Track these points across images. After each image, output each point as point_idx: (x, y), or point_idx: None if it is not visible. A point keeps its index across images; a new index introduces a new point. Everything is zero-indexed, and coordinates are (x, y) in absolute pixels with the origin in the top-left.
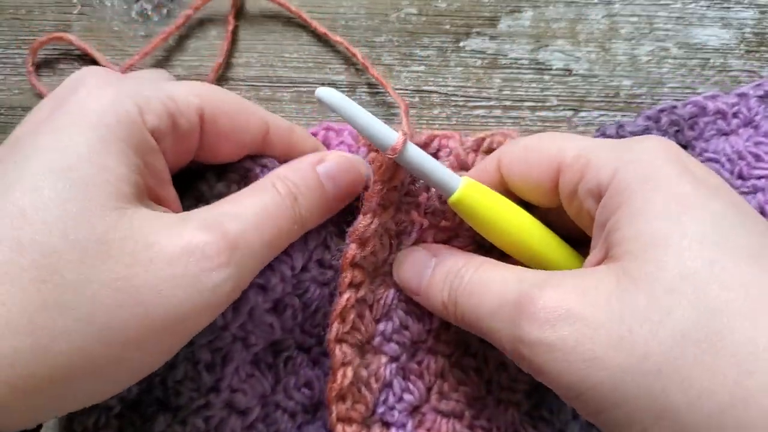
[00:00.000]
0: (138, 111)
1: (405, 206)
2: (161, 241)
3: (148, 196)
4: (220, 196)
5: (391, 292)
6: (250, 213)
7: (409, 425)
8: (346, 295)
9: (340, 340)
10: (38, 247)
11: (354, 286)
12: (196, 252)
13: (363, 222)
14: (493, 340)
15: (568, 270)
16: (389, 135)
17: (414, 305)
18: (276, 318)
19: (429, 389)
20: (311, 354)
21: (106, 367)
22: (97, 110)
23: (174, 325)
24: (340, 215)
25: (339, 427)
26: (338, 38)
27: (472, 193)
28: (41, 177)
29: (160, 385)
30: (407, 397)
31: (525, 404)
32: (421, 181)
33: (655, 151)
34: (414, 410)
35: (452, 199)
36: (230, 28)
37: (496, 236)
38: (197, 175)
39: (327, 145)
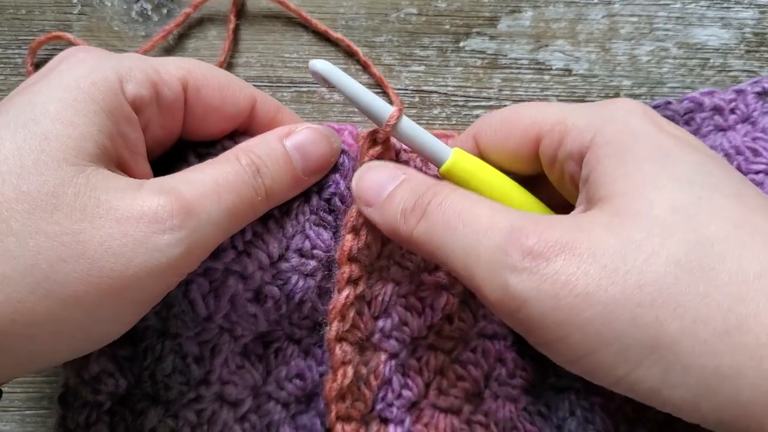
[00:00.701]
0: (117, 79)
1: None
2: (113, 200)
3: (117, 164)
4: None
5: (389, 287)
6: (208, 180)
7: (407, 421)
8: (345, 293)
9: (340, 339)
10: None
11: (352, 281)
12: (149, 213)
13: (354, 209)
14: (468, 267)
15: (560, 215)
16: (385, 107)
17: (415, 300)
18: (258, 308)
19: (428, 385)
20: (302, 345)
21: (46, 326)
22: (75, 75)
23: (122, 287)
24: (320, 204)
25: (338, 426)
26: (338, 35)
27: (462, 162)
28: (3, 128)
29: (149, 379)
30: (406, 393)
31: (522, 400)
32: (409, 153)
33: (632, 111)
34: (412, 406)
35: (443, 168)
36: (231, 26)
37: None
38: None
39: None
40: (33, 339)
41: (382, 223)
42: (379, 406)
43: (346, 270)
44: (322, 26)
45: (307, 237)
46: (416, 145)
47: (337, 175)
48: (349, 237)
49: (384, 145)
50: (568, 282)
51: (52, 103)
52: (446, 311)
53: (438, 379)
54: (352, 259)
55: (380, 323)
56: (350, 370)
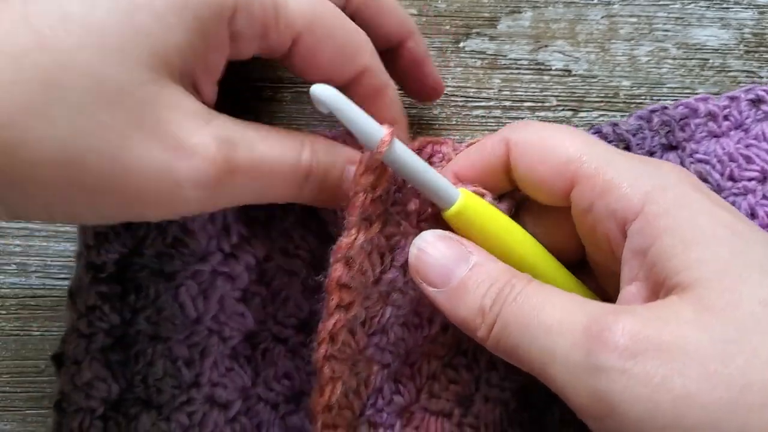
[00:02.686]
0: (233, 5)
1: (394, 217)
2: (174, 124)
3: (190, 82)
4: None
5: (388, 310)
6: (268, 157)
7: (398, 425)
8: (333, 318)
9: (329, 357)
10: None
11: (342, 307)
12: (199, 160)
13: (346, 239)
14: (546, 368)
15: (636, 305)
16: (376, 130)
17: (415, 317)
18: (246, 307)
19: (419, 390)
20: (288, 344)
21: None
22: None
23: (127, 203)
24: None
25: None
26: None
27: (471, 209)
28: None
29: (141, 383)
30: (397, 399)
31: (512, 403)
32: (409, 186)
33: (682, 179)
34: (403, 410)
35: (449, 213)
36: None
37: (493, 253)
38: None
39: None
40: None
41: (452, 316)
42: (368, 412)
43: (335, 297)
44: None
45: (290, 237)
46: (415, 178)
47: None
48: (338, 266)
49: (378, 173)
50: (664, 383)
51: (160, 3)
52: (444, 323)
53: (430, 383)
54: (341, 286)
55: (375, 339)
56: (339, 386)
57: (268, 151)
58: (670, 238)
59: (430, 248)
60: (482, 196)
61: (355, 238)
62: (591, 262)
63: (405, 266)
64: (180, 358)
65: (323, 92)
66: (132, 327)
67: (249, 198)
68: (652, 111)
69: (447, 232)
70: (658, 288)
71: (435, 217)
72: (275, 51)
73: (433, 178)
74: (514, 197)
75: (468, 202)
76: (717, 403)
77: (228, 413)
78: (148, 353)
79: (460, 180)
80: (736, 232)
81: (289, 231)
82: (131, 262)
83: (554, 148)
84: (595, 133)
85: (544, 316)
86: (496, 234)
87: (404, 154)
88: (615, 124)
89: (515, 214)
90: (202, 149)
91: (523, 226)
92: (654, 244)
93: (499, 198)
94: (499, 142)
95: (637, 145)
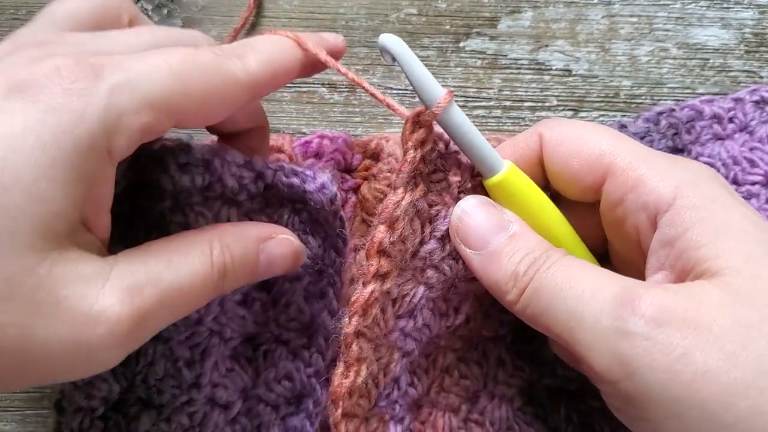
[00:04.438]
0: (105, 135)
1: (436, 186)
2: (72, 299)
3: (81, 223)
4: (182, 192)
5: (421, 289)
6: (176, 284)
7: (408, 419)
8: (370, 288)
9: (358, 335)
10: None
11: (380, 276)
12: (105, 325)
13: (393, 198)
14: (573, 331)
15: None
16: (437, 89)
17: (443, 303)
18: (246, 310)
19: (431, 383)
20: (289, 346)
21: None
22: (55, 126)
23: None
24: (304, 217)
25: (343, 423)
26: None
27: (513, 181)
28: None
29: (142, 383)
30: (411, 391)
31: (518, 400)
32: (453, 153)
33: (711, 175)
34: (413, 404)
35: (492, 180)
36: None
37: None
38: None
39: (321, 153)
40: None
41: (485, 278)
42: (382, 403)
43: (374, 263)
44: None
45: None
46: (464, 144)
47: (320, 195)
48: (381, 228)
49: (427, 129)
50: (685, 356)
51: (26, 169)
52: (468, 314)
53: (441, 377)
54: (382, 252)
55: (402, 323)
56: (364, 369)
57: (177, 277)
58: (701, 228)
59: (473, 211)
60: None
61: (402, 198)
62: (613, 257)
63: (444, 238)
64: (181, 359)
65: (392, 43)
66: None
67: (169, 321)
68: (660, 113)
69: (490, 200)
70: (685, 275)
71: (475, 190)
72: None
73: (483, 144)
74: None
75: (512, 174)
76: (733, 383)
77: (228, 414)
78: (149, 353)
79: None
80: (761, 227)
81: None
82: None
83: (587, 142)
84: None
85: (577, 283)
86: (533, 211)
87: (459, 116)
88: (624, 126)
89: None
90: (108, 313)
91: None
92: (684, 234)
93: None
94: (533, 137)
95: None
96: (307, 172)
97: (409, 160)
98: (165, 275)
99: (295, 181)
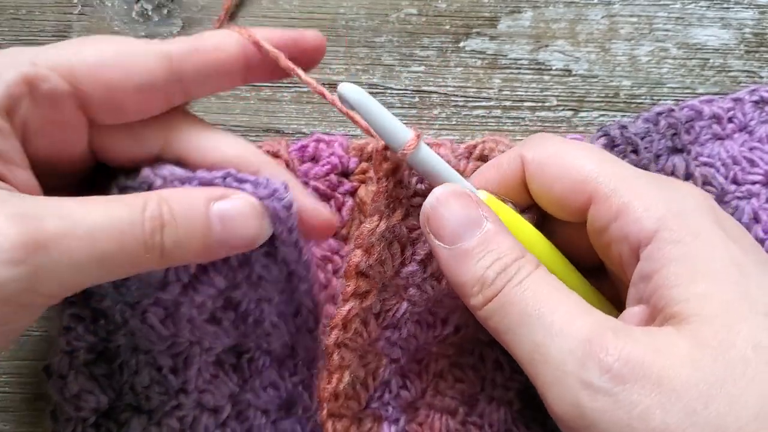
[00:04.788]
0: (6, 94)
1: (416, 210)
2: None
3: None
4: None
5: (404, 305)
6: (89, 219)
7: (402, 420)
8: (348, 306)
9: (339, 345)
10: None
11: (359, 296)
12: None
13: (368, 225)
14: (535, 364)
15: (635, 326)
16: (403, 132)
17: (429, 315)
18: (217, 327)
19: (426, 387)
20: (273, 355)
21: None
22: None
23: None
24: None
25: (329, 423)
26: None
27: (493, 206)
28: None
29: (130, 391)
30: (404, 393)
31: (517, 403)
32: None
33: (698, 204)
34: (408, 406)
35: None
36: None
37: None
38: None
39: (317, 157)
40: None
41: (451, 276)
42: (374, 404)
43: (352, 284)
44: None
45: (253, 268)
46: (438, 181)
47: (272, 202)
48: (358, 252)
49: (395, 169)
50: (645, 413)
51: None
52: (458, 325)
53: (436, 381)
54: (359, 273)
55: (387, 333)
56: (347, 375)
57: (92, 211)
58: (677, 266)
59: (447, 201)
60: (505, 203)
61: (377, 225)
62: (608, 270)
63: (425, 261)
64: (165, 366)
65: (350, 91)
66: (111, 342)
67: (92, 272)
68: (659, 113)
69: (470, 192)
70: (657, 313)
71: None
72: (59, 102)
73: (456, 178)
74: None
75: (488, 205)
76: None
77: (218, 417)
78: (132, 364)
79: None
80: (744, 269)
81: (252, 261)
82: (92, 291)
83: (569, 167)
84: (602, 135)
85: (546, 311)
86: (515, 235)
87: (428, 156)
88: (624, 127)
89: (538, 223)
90: (3, 231)
91: (546, 234)
92: (661, 270)
93: (522, 210)
94: (515, 159)
95: (645, 148)
96: (260, 179)
97: (380, 189)
98: (78, 212)
99: (247, 188)
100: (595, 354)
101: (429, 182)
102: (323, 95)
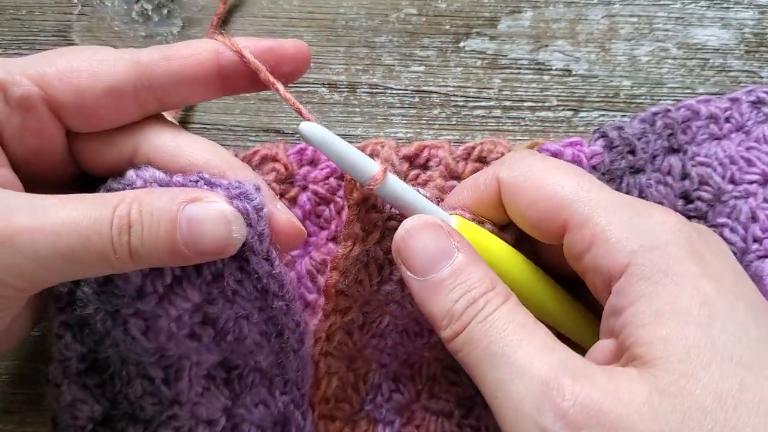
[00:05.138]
0: None
1: (391, 233)
2: None
3: None
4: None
5: (387, 318)
6: (57, 216)
7: (397, 422)
8: (329, 321)
9: (326, 354)
10: None
11: (339, 311)
12: None
13: (342, 250)
14: (497, 401)
15: (597, 365)
16: (368, 167)
17: (416, 325)
18: (198, 343)
19: (420, 390)
20: (262, 372)
21: None
22: None
23: None
24: (240, 252)
25: (321, 423)
26: (287, 95)
27: (464, 234)
28: None
29: (125, 400)
30: (396, 396)
31: None
32: None
33: (672, 236)
34: (403, 408)
35: None
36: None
37: None
38: None
39: (316, 161)
40: None
41: (422, 307)
42: (368, 407)
43: (331, 303)
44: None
45: (227, 284)
46: (409, 210)
47: (241, 203)
48: (334, 274)
49: (365, 199)
50: None
51: None
52: None
53: (430, 384)
54: (338, 292)
55: (374, 341)
56: (334, 380)
57: (62, 210)
58: (645, 305)
59: (418, 233)
60: (482, 224)
61: (351, 250)
62: None
63: (402, 282)
64: (157, 377)
65: (310, 131)
66: (100, 353)
67: (56, 267)
68: (655, 113)
69: (441, 222)
70: (624, 350)
71: None
72: (30, 105)
73: (425, 206)
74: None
75: (461, 229)
76: None
77: (213, 429)
78: (123, 375)
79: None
80: (713, 310)
81: (223, 274)
82: (75, 297)
83: (544, 190)
84: (600, 136)
85: (510, 349)
86: (488, 259)
87: (396, 186)
88: (620, 128)
89: (519, 239)
90: None
91: (527, 248)
92: (629, 308)
93: (501, 228)
94: (491, 180)
95: (642, 149)
96: (231, 182)
97: (351, 217)
98: (47, 209)
99: (219, 191)
100: (552, 398)
101: (400, 212)
102: (300, 113)
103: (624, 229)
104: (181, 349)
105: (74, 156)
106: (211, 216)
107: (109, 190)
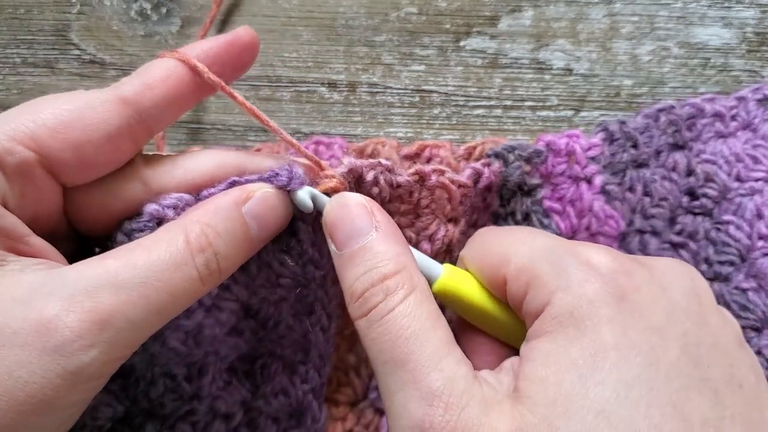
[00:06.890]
0: None
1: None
2: (11, 322)
3: (7, 250)
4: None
5: None
6: (137, 278)
7: None
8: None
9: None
10: None
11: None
12: (54, 333)
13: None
14: (384, 395)
15: (485, 383)
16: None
17: None
18: (238, 338)
19: None
20: (285, 361)
21: None
22: None
23: (42, 408)
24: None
25: (325, 407)
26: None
27: (453, 281)
28: None
29: (145, 398)
30: None
31: None
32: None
33: (592, 276)
34: None
35: (435, 288)
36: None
37: (474, 321)
38: None
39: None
40: None
41: (340, 279)
42: (372, 395)
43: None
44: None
45: (271, 268)
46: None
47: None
48: None
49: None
50: None
51: None
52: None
53: None
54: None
55: None
56: (333, 360)
57: (136, 273)
58: (545, 343)
59: (344, 209)
60: None
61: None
62: None
63: None
64: (179, 375)
65: (303, 199)
66: (127, 360)
67: (154, 322)
68: (660, 110)
69: (367, 200)
70: (516, 375)
71: (394, 190)
72: (27, 170)
73: (417, 256)
74: None
75: (449, 278)
76: None
77: (230, 424)
78: (147, 376)
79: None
80: (601, 362)
81: (269, 261)
82: None
83: (488, 253)
84: (602, 130)
85: (410, 355)
86: (475, 303)
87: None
88: (623, 122)
89: None
90: (55, 326)
91: None
92: (532, 341)
93: None
94: (461, 261)
95: (644, 143)
96: (263, 174)
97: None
98: (123, 274)
99: (253, 177)
100: (421, 425)
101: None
102: (260, 119)
103: (551, 271)
104: (214, 346)
105: (71, 215)
106: (272, 205)
107: (130, 233)
